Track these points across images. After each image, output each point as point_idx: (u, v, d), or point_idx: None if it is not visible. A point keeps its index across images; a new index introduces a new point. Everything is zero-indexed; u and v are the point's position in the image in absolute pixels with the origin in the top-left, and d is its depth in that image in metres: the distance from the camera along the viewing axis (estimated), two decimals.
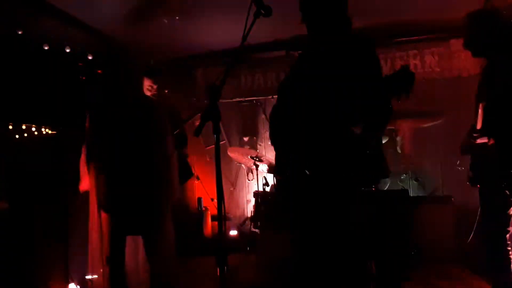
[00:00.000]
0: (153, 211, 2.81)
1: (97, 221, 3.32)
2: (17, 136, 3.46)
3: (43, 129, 3.66)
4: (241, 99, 5.54)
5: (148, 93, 3.69)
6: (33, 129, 3.58)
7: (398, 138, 4.98)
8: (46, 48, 3.67)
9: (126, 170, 2.77)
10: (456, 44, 4.79)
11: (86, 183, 3.16)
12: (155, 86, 3.72)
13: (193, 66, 5.64)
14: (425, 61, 4.93)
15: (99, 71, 4.24)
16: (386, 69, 5.00)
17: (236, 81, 5.51)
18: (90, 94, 3.91)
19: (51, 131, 3.70)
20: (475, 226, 3.77)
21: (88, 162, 3.01)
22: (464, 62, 4.78)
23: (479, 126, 2.52)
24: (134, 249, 3.52)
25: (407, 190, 4.48)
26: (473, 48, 2.51)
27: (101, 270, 3.15)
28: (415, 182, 4.93)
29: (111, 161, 2.81)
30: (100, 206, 2.94)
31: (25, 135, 3.52)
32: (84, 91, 3.94)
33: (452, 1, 3.94)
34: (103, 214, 3.27)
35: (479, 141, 2.58)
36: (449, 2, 3.97)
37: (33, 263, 3.34)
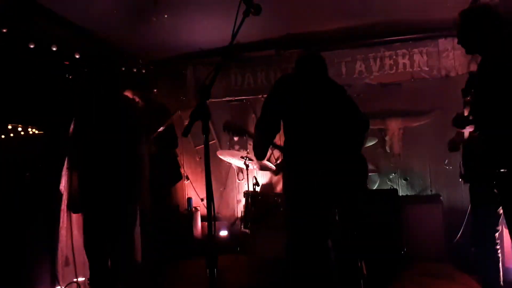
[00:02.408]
0: (117, 213, 2.83)
1: (66, 220, 3.33)
2: (2, 136, 3.40)
3: (29, 129, 3.59)
4: (231, 98, 5.51)
5: (135, 101, 3.71)
6: (19, 129, 3.52)
7: (387, 138, 5.02)
8: (31, 46, 3.61)
9: (99, 171, 2.79)
10: (445, 43, 4.83)
11: (63, 183, 3.18)
12: (139, 96, 3.76)
13: (182, 65, 5.59)
14: (414, 61, 4.96)
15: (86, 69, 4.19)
16: (375, 68, 5.05)
17: (226, 80, 5.48)
18: (76, 94, 3.87)
19: (38, 131, 3.64)
20: (463, 225, 3.80)
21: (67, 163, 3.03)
22: (453, 61, 4.82)
23: (466, 113, 2.55)
24: None
25: (396, 189, 4.51)
26: (467, 45, 2.52)
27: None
28: (404, 181, 4.96)
29: (85, 162, 2.83)
30: (69, 208, 2.95)
31: (11, 135, 3.46)
32: (71, 90, 3.89)
33: (440, 1, 3.97)
34: (74, 215, 3.28)
35: (467, 128, 2.60)
36: (438, 1, 3.99)
37: (19, 266, 3.28)
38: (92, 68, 3.62)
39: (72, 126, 2.92)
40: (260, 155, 2.61)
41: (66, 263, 3.44)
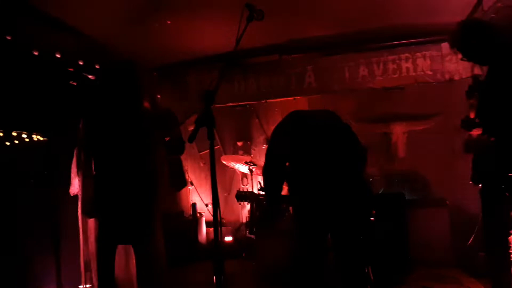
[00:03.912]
0: (141, 220, 2.77)
1: (82, 227, 3.31)
2: (7, 143, 3.41)
3: (34, 136, 3.60)
4: (235, 104, 5.51)
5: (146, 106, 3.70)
6: (24, 135, 3.53)
7: (391, 141, 5.00)
8: (35, 53, 3.62)
9: (116, 177, 2.74)
10: (448, 47, 4.80)
11: (75, 186, 3.15)
12: (149, 100, 3.76)
13: (185, 71, 5.61)
14: (417, 65, 4.94)
15: (92, 77, 4.20)
16: (378, 73, 5.04)
17: (229, 86, 5.48)
18: (84, 100, 3.88)
19: (42, 137, 3.65)
20: (476, 229, 3.76)
21: (78, 167, 2.98)
22: (456, 65, 4.80)
23: (472, 116, 2.56)
24: (126, 261, 3.50)
25: (402, 193, 4.48)
26: (476, 60, 2.56)
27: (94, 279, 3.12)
28: (409, 185, 4.93)
29: (100, 167, 2.78)
30: (83, 212, 2.91)
31: (16, 142, 3.47)
32: (74, 96, 3.90)
33: (443, 5, 3.97)
34: (91, 221, 3.24)
35: (474, 131, 2.60)
36: (441, 6, 4.00)
37: (24, 271, 3.28)
38: (104, 73, 3.60)
39: (82, 130, 2.89)
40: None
41: (86, 269, 3.46)
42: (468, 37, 2.52)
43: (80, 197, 3.24)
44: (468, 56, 2.59)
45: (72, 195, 3.30)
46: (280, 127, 2.75)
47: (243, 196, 4.26)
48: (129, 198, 2.72)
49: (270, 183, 2.73)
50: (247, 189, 5.28)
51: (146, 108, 3.57)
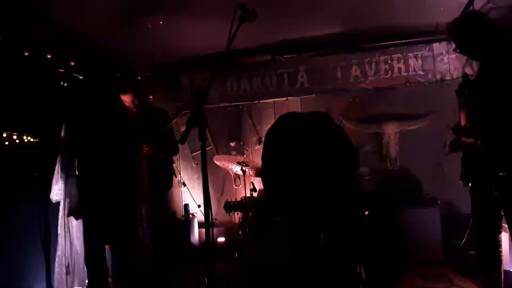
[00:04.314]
0: (121, 219, 2.78)
1: (65, 228, 3.29)
2: None
3: (24, 137, 3.57)
4: (227, 104, 5.51)
5: (131, 107, 3.69)
6: (15, 137, 3.50)
7: (383, 141, 5.02)
8: (26, 54, 3.59)
9: (99, 177, 2.76)
10: (439, 47, 4.86)
11: (55, 193, 3.14)
12: (136, 102, 3.74)
13: (178, 71, 5.59)
14: (409, 65, 4.98)
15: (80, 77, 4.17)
16: (370, 73, 5.07)
17: (221, 86, 5.48)
18: (67, 102, 3.85)
19: (33, 139, 3.61)
20: (467, 229, 3.78)
21: (60, 172, 2.99)
22: (447, 65, 4.86)
23: (463, 122, 2.57)
24: None
25: (395, 193, 4.51)
26: (466, 51, 2.54)
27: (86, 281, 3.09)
28: (401, 184, 4.95)
29: (84, 168, 2.80)
30: (70, 214, 2.92)
31: (6, 143, 3.43)
32: (65, 97, 3.87)
33: (434, 6, 4.00)
34: (74, 223, 3.23)
35: (464, 139, 2.62)
36: (432, 7, 4.02)
37: (14, 274, 3.25)
38: (87, 74, 3.60)
39: (63, 132, 2.89)
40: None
41: (67, 272, 3.41)
42: (469, 27, 2.47)
43: (63, 200, 3.22)
44: (463, 47, 2.53)
45: (53, 202, 3.27)
46: (273, 130, 2.76)
47: (231, 206, 4.29)
48: (111, 197, 2.73)
49: (269, 187, 2.74)
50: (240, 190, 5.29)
51: (128, 108, 3.57)
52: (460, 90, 2.61)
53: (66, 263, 3.39)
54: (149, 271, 3.18)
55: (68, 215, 3.05)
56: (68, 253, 3.39)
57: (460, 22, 2.51)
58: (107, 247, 2.96)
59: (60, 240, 3.37)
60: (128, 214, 2.84)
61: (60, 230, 3.36)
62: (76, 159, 2.85)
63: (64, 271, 3.39)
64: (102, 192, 2.75)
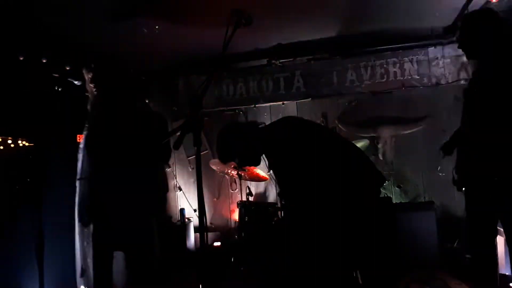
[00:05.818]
0: (136, 226, 2.74)
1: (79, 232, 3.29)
2: None
3: (19, 141, 3.55)
4: (224, 108, 5.51)
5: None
6: (9, 141, 3.48)
7: (379, 145, 5.02)
8: (21, 58, 3.58)
9: (113, 182, 2.71)
10: (434, 52, 4.88)
11: None
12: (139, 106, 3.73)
13: (174, 75, 5.59)
14: (404, 69, 4.99)
15: (78, 82, 4.15)
16: (366, 77, 5.08)
17: (218, 90, 5.48)
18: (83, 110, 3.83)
19: (28, 143, 3.59)
20: (462, 232, 3.78)
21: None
22: (443, 69, 4.87)
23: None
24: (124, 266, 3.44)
25: (390, 197, 4.51)
26: (467, 49, 2.53)
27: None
28: (397, 188, 4.96)
29: (98, 173, 2.76)
30: (79, 219, 2.89)
31: (1, 147, 3.42)
32: (60, 102, 3.86)
33: (430, 10, 4.02)
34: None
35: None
36: (428, 11, 4.05)
37: (7, 278, 3.23)
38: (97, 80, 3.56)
39: (84, 138, 2.87)
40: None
41: (82, 274, 3.45)
42: (481, 21, 2.44)
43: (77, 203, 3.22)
44: (468, 41, 2.49)
45: None
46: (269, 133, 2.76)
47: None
48: (125, 204, 2.69)
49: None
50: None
51: (146, 111, 3.54)
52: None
53: (80, 265, 3.45)
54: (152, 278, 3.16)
55: (78, 221, 3.04)
56: (80, 256, 3.47)
57: (468, 18, 2.50)
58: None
59: (76, 243, 3.44)
60: (146, 222, 2.79)
61: (76, 234, 3.42)
62: (90, 165, 2.80)
63: (79, 273, 3.46)
64: (114, 199, 2.69)
